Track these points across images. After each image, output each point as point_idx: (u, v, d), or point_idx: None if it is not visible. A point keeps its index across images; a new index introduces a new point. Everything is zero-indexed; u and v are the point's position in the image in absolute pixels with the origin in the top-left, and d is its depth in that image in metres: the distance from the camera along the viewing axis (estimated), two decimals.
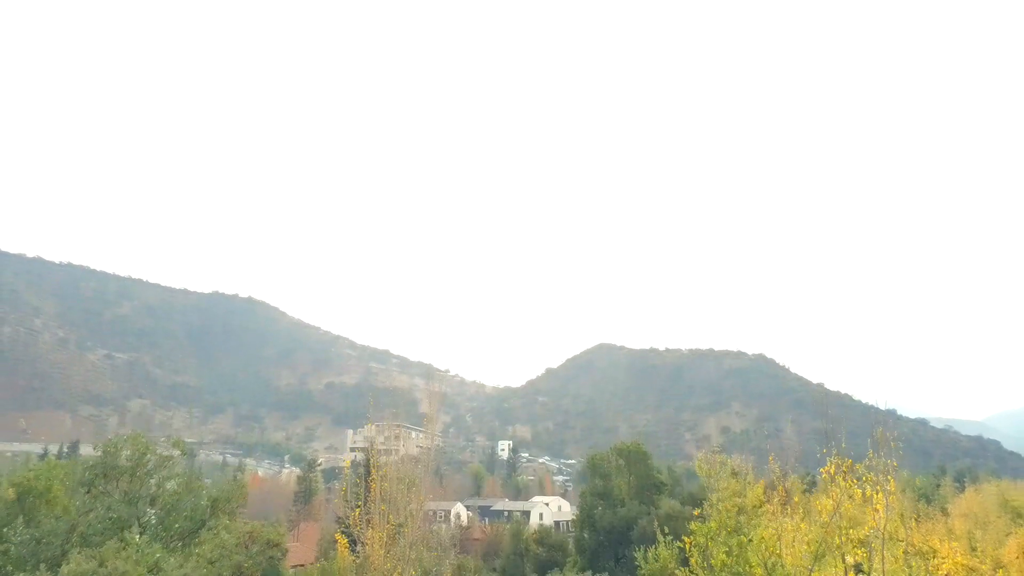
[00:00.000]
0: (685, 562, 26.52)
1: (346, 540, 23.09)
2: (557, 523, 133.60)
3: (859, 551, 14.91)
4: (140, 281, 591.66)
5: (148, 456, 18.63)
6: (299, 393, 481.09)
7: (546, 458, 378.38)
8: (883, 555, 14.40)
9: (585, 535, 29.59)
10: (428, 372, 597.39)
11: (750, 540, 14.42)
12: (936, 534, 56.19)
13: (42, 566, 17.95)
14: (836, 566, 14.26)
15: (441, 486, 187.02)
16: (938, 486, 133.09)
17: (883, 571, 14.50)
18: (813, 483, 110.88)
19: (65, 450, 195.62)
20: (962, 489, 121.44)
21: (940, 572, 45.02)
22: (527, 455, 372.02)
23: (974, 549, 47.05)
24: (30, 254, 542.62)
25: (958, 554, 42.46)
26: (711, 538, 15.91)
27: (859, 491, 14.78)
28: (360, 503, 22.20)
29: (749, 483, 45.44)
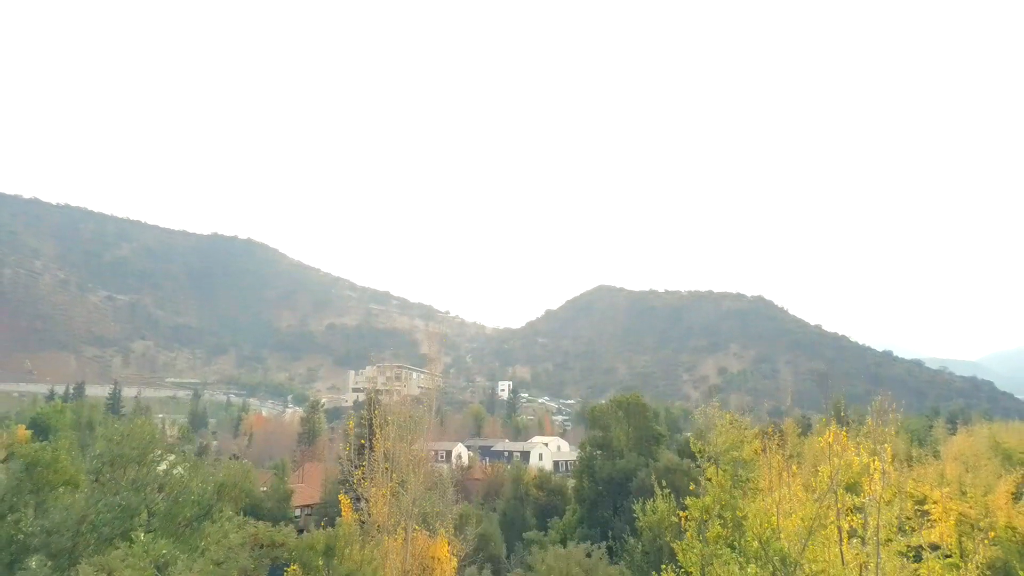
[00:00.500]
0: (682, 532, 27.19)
1: (349, 500, 23.52)
2: (556, 463, 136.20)
3: (854, 517, 15.22)
4: (139, 223, 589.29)
5: (154, 444, 18.78)
6: (300, 334, 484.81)
7: (546, 399, 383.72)
8: (879, 522, 14.68)
9: (584, 484, 30.19)
10: (428, 313, 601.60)
11: (745, 516, 14.69)
12: (928, 479, 57.37)
13: (49, 564, 18.34)
14: (830, 538, 14.60)
15: (442, 426, 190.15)
16: (931, 428, 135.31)
17: (877, 540, 14.80)
18: (808, 426, 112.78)
19: (71, 391, 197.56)
20: (954, 431, 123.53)
21: (932, 517, 46.17)
22: (527, 396, 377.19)
23: (964, 493, 47.99)
24: (27, 195, 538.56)
25: (949, 500, 43.38)
26: (707, 511, 16.20)
27: (856, 459, 14.98)
28: (363, 463, 22.54)
29: (745, 433, 46.23)
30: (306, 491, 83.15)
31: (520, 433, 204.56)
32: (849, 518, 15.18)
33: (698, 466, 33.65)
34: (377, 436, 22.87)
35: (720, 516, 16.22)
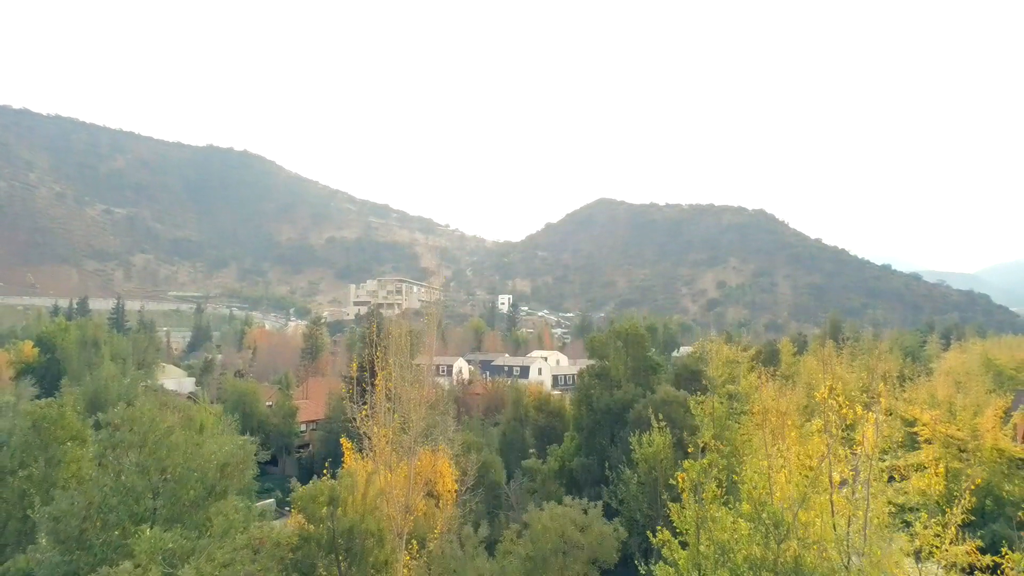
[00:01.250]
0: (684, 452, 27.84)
1: (351, 444, 23.99)
2: (556, 377, 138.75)
3: (845, 467, 15.57)
4: (132, 134, 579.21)
5: (157, 426, 18.95)
6: (300, 248, 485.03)
7: (545, 312, 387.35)
8: (869, 479, 15.02)
9: (583, 413, 30.80)
10: (428, 227, 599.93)
11: (741, 480, 15.01)
12: (919, 400, 58.48)
13: (57, 548, 18.80)
14: (823, 500, 15.02)
15: (443, 341, 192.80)
16: (924, 344, 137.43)
17: (867, 496, 15.18)
18: (804, 343, 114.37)
19: (75, 306, 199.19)
20: (947, 346, 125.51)
21: (921, 438, 47.28)
22: (526, 309, 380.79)
23: (953, 415, 48.96)
24: (16, 105, 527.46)
25: (938, 423, 44.38)
26: (703, 473, 16.52)
27: (850, 412, 15.19)
28: (365, 403, 22.89)
29: (741, 366, 47.06)
30: (311, 407, 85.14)
31: (520, 347, 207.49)
32: (840, 467, 15.53)
33: (695, 392, 34.40)
34: (379, 360, 23.16)
35: (716, 478, 16.60)
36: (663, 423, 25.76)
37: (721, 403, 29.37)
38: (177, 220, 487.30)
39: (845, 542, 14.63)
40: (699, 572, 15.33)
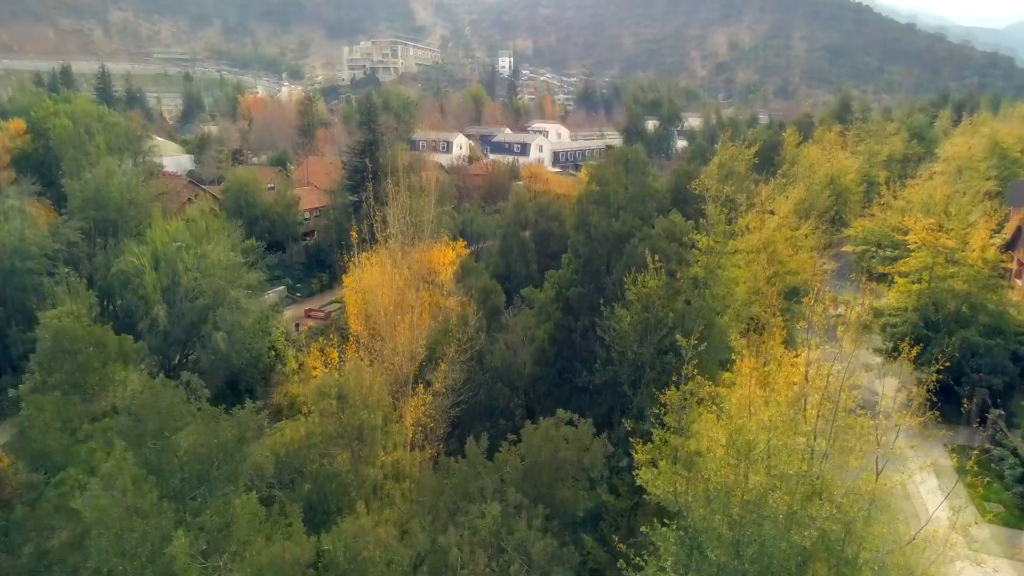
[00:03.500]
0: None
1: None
2: (556, 155, 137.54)
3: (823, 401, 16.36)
4: None
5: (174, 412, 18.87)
6: (287, 1, 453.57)
7: (548, 75, 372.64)
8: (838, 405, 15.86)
9: (580, 239, 31.38)
10: None
11: (723, 411, 15.76)
12: (916, 200, 58.76)
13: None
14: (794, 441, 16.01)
15: (441, 112, 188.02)
16: (934, 120, 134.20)
17: (836, 407, 16.12)
18: (810, 127, 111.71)
19: (58, 73, 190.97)
20: (958, 121, 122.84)
21: (911, 246, 48.42)
22: (528, 71, 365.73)
23: (948, 216, 49.53)
24: None
25: (927, 233, 45.18)
26: (685, 397, 17.21)
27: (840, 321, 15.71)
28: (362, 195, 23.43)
29: (743, 159, 46.79)
30: (313, 194, 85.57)
31: (521, 117, 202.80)
32: (818, 404, 16.29)
33: (692, 214, 34.71)
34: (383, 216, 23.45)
35: (700, 401, 17.45)
36: (659, 263, 26.44)
37: (717, 240, 29.85)
38: None
39: (812, 435, 15.97)
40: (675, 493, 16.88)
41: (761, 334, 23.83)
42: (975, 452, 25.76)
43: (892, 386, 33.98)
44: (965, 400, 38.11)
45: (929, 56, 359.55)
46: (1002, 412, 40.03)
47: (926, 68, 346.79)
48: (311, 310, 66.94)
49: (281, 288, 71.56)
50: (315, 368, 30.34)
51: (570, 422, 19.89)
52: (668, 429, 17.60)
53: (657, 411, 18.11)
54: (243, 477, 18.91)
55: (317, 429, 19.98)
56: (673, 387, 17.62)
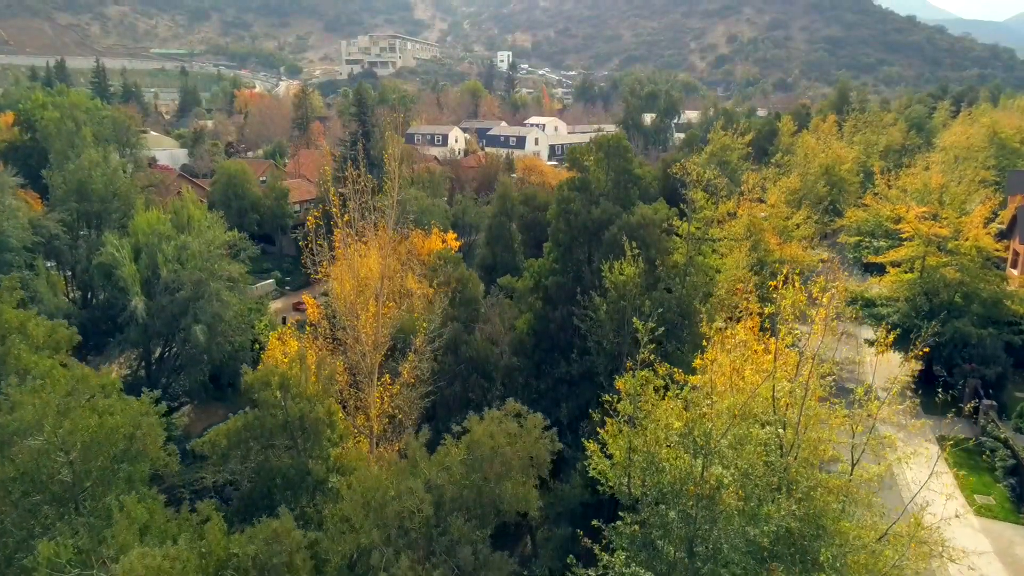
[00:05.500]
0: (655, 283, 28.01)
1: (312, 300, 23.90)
2: (553, 148, 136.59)
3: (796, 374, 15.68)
4: None
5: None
6: None
7: (546, 70, 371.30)
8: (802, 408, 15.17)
9: (560, 228, 30.64)
10: None
11: (685, 400, 15.09)
12: (912, 188, 57.82)
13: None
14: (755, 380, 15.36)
15: (438, 106, 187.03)
16: (933, 111, 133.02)
17: (807, 388, 15.41)
18: (807, 116, 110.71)
19: (52, 68, 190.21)
20: (957, 113, 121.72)
21: (904, 235, 47.60)
22: (527, 66, 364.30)
23: (943, 205, 48.77)
24: None
25: (921, 222, 44.37)
26: (645, 383, 16.51)
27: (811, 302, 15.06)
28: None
29: (736, 146, 45.93)
30: (303, 186, 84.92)
31: (518, 111, 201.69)
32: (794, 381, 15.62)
33: (681, 201, 33.98)
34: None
35: (660, 388, 16.74)
36: (636, 251, 25.70)
37: (698, 227, 29.12)
38: None
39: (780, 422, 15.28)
40: (628, 478, 16.19)
41: (738, 321, 23.16)
42: (949, 442, 25.12)
43: (882, 376, 33.28)
44: (944, 392, 37.52)
45: (930, 49, 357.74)
46: (994, 403, 39.33)
47: (926, 61, 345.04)
48: (299, 303, 66.29)
49: (270, 280, 70.84)
50: (271, 358, 29.72)
51: (518, 414, 19.21)
52: (621, 418, 16.92)
53: (609, 399, 17.43)
54: (139, 476, 17.94)
55: (255, 422, 19.26)
56: (628, 374, 16.93)
